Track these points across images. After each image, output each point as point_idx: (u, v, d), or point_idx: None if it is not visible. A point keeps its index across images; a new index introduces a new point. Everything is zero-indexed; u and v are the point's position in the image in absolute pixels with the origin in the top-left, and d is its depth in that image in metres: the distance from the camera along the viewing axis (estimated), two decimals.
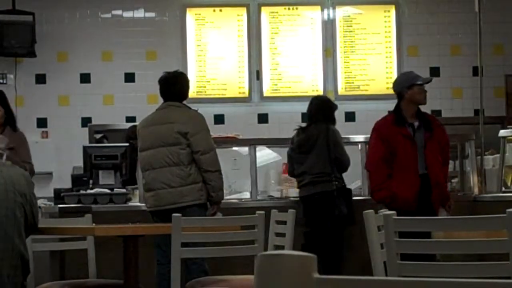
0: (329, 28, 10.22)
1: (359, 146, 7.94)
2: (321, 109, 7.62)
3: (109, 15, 10.13)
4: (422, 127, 6.57)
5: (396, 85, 6.76)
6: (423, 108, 10.30)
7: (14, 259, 4.08)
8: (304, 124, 7.75)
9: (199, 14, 10.14)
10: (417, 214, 5.56)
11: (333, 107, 7.74)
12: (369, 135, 8.40)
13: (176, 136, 6.39)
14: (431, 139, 6.54)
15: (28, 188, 4.19)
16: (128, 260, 4.97)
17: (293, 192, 8.71)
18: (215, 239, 5.03)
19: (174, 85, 6.63)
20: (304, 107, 10.31)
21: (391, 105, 10.17)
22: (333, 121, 7.64)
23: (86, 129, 9.92)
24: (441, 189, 6.60)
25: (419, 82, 6.66)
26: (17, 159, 6.30)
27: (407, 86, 6.60)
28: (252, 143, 7.99)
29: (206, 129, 6.49)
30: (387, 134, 6.52)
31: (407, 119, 6.57)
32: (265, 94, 10.13)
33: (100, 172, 7.78)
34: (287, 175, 9.43)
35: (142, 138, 6.64)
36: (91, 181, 7.76)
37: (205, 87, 10.04)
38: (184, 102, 6.69)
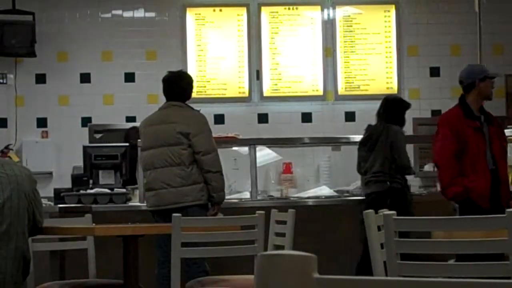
0: (329, 28, 10.22)
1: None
2: (387, 109, 7.55)
3: (109, 15, 10.13)
4: (486, 122, 6.37)
5: (467, 75, 6.45)
6: (424, 108, 10.34)
7: (17, 259, 4.08)
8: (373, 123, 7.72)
9: (199, 14, 10.14)
10: (490, 212, 5.43)
11: (402, 107, 7.61)
12: None
13: (178, 136, 6.39)
14: (495, 135, 6.37)
15: (31, 186, 4.19)
16: (128, 260, 4.97)
17: (293, 192, 8.72)
18: (215, 239, 5.03)
19: (177, 85, 6.63)
20: (304, 107, 10.36)
21: None
22: (399, 121, 7.52)
23: (86, 129, 9.92)
24: (508, 186, 6.44)
25: (492, 75, 6.44)
26: None
27: (480, 78, 6.36)
28: (252, 143, 7.99)
29: (208, 129, 6.48)
30: (459, 127, 6.27)
31: (474, 113, 6.35)
32: (265, 94, 10.13)
33: (100, 172, 7.78)
34: (287, 175, 9.45)
35: (144, 138, 6.64)
36: (91, 181, 7.76)
37: (205, 87, 10.04)
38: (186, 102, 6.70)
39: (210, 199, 6.43)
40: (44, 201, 7.80)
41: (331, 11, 10.24)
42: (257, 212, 5.07)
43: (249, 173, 7.83)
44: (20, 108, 9.87)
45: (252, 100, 10.13)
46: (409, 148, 9.95)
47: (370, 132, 7.52)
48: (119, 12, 10.15)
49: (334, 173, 9.44)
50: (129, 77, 10.08)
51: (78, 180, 7.80)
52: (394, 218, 3.58)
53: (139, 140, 7.06)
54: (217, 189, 6.40)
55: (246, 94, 10.10)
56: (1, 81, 9.92)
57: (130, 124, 9.39)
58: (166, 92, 6.67)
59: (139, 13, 10.17)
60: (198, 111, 6.61)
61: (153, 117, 6.67)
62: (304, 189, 8.81)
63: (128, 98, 10.01)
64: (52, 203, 7.70)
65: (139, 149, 7.20)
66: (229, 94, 10.07)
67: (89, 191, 7.57)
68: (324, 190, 8.46)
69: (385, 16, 10.27)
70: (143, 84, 9.96)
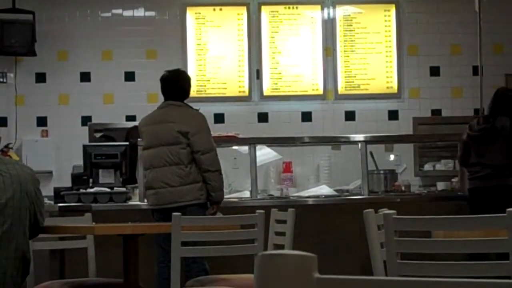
0: (329, 27, 10.22)
1: (359, 145, 7.92)
2: (505, 102, 7.40)
3: (109, 14, 10.13)
4: None
5: None
6: (424, 108, 10.32)
7: (17, 259, 4.07)
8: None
9: (199, 13, 10.14)
10: None
11: None
12: (369, 134, 8.41)
13: (177, 136, 6.39)
14: None
15: (33, 186, 4.19)
16: (128, 259, 4.97)
17: (293, 191, 8.72)
18: (215, 238, 5.03)
19: (176, 84, 6.63)
20: (303, 106, 10.35)
21: (391, 104, 10.22)
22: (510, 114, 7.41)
23: (86, 128, 9.92)
24: None
25: None
26: None
27: None
28: (252, 142, 7.99)
29: (207, 128, 6.48)
30: None
31: None
32: (265, 93, 10.13)
33: (100, 171, 7.78)
34: (286, 174, 9.44)
35: (144, 137, 6.65)
36: (91, 180, 7.76)
37: (205, 86, 10.04)
38: (185, 101, 6.70)
39: (209, 199, 6.43)
40: (44, 200, 7.81)
41: (331, 10, 10.24)
42: (257, 211, 5.07)
43: (249, 172, 7.83)
44: (20, 107, 9.87)
45: (252, 99, 10.13)
46: (409, 148, 9.97)
47: (492, 125, 7.29)
48: (119, 11, 10.15)
49: (334, 172, 9.44)
50: (129, 76, 10.07)
51: (78, 179, 7.80)
52: (394, 217, 3.58)
53: (139, 140, 7.06)
54: (216, 188, 6.40)
55: (246, 93, 10.10)
56: (1, 80, 9.92)
57: (130, 123, 9.39)
58: (164, 91, 6.67)
59: (139, 12, 10.17)
60: (197, 110, 6.61)
61: (152, 116, 6.67)
62: (304, 188, 8.81)
63: (128, 97, 10.01)
64: (52, 202, 7.70)
65: (139, 148, 7.20)
66: (229, 93, 10.07)
67: (89, 190, 7.57)
68: (324, 189, 8.46)
69: (385, 16, 10.27)
70: (143, 83, 9.96)
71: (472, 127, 7.40)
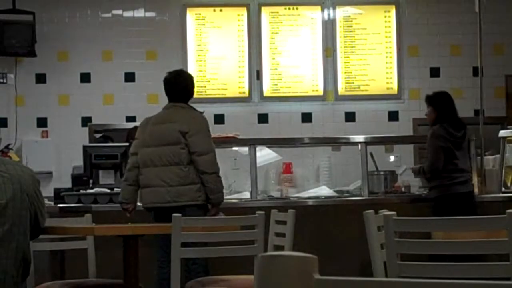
0: (329, 28, 10.22)
1: (359, 146, 7.93)
2: (452, 105, 7.63)
3: (109, 15, 10.13)
4: None
5: None
6: (424, 109, 10.35)
7: (18, 259, 4.07)
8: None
9: (199, 14, 10.14)
10: None
11: None
12: (369, 135, 8.41)
13: (177, 136, 6.39)
14: None
15: (33, 187, 4.19)
16: (128, 260, 4.97)
17: (293, 192, 8.71)
18: (215, 239, 5.03)
19: (179, 84, 6.62)
20: (304, 107, 10.36)
21: (391, 105, 10.22)
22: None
23: (86, 128, 9.92)
24: None
25: None
26: None
27: None
28: (252, 143, 7.98)
29: (206, 130, 6.46)
30: None
31: None
32: (265, 94, 10.13)
33: (100, 171, 7.78)
34: (286, 175, 9.44)
35: (145, 135, 6.60)
36: (91, 181, 7.76)
37: (205, 87, 10.04)
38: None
39: (208, 201, 6.41)
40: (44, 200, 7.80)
41: (331, 11, 10.24)
42: (257, 212, 5.07)
43: (249, 173, 7.82)
44: (20, 108, 9.88)
45: (252, 100, 10.13)
46: (409, 149, 9.97)
47: (465, 132, 7.41)
48: (119, 12, 10.15)
49: (334, 173, 9.44)
50: (129, 77, 10.08)
51: (78, 180, 7.80)
52: (394, 218, 3.58)
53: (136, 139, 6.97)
54: (214, 190, 6.37)
55: (246, 94, 10.10)
56: (1, 80, 9.92)
57: (130, 124, 9.39)
58: (168, 93, 6.66)
59: (139, 13, 10.17)
60: (201, 112, 6.60)
61: (156, 116, 6.66)
62: (304, 189, 8.81)
63: (128, 98, 10.01)
64: (52, 203, 7.69)
65: (132, 144, 6.96)
66: (229, 94, 10.08)
67: (89, 190, 7.57)
68: (324, 190, 8.46)
69: (385, 16, 10.27)
70: (143, 84, 9.96)
71: (448, 133, 7.40)
